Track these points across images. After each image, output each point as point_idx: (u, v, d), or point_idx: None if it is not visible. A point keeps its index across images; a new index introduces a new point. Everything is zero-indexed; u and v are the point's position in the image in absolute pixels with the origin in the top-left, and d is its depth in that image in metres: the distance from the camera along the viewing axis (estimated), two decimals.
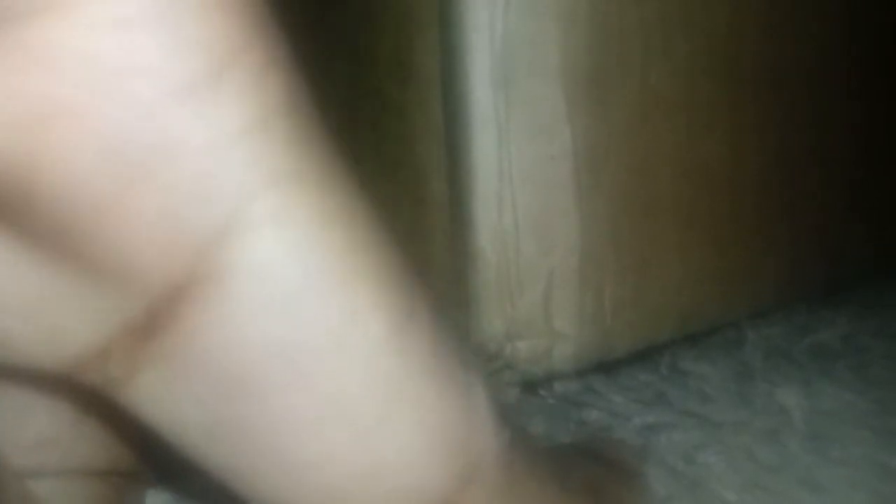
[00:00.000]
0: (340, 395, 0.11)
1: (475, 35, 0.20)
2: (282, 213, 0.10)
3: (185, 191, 0.10)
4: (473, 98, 0.20)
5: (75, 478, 0.12)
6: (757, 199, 0.24)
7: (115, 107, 0.09)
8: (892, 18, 0.26)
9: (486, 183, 0.21)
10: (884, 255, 0.27)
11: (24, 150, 0.09)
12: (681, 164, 0.22)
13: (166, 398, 0.10)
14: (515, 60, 0.20)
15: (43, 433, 0.12)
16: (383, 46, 0.22)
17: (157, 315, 0.10)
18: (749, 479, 0.17)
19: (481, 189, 0.21)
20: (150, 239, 0.10)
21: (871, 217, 0.27)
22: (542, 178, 0.21)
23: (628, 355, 0.22)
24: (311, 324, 0.10)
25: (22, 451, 0.12)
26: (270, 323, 0.10)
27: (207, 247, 0.10)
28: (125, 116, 0.09)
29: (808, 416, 0.20)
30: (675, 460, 0.17)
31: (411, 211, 0.23)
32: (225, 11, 0.10)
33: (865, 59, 0.26)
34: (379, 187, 0.24)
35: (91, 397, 0.11)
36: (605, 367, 0.22)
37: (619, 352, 0.22)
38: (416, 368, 0.11)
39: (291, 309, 0.10)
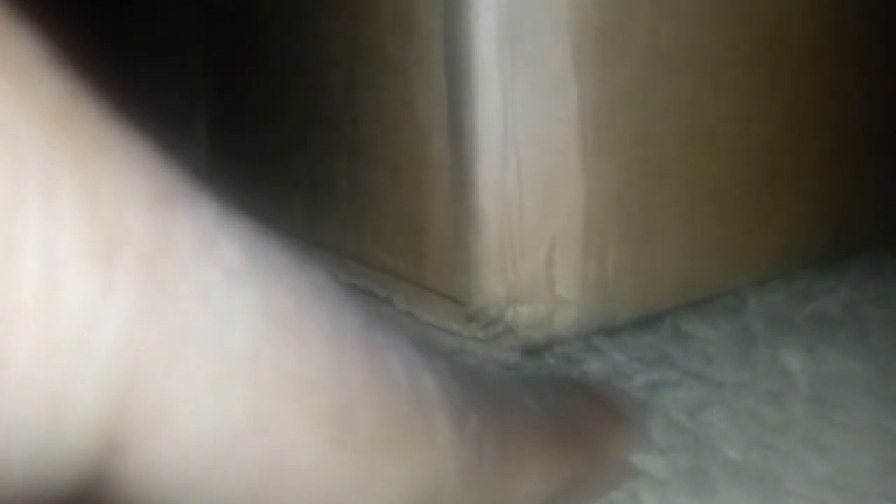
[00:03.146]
0: None
1: None
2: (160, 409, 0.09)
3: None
4: (477, 55, 0.20)
5: None
6: (761, 165, 0.24)
7: None
8: None
9: (490, 144, 0.20)
10: (886, 225, 0.27)
11: None
12: (687, 127, 0.22)
13: None
14: (522, 16, 0.20)
15: None
16: (384, 2, 0.22)
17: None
18: (753, 438, 0.17)
19: (485, 150, 0.21)
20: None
21: (874, 186, 0.27)
22: (548, 140, 0.21)
23: (630, 322, 0.22)
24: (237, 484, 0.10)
25: None
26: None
27: (97, 464, 0.09)
28: None
29: (811, 381, 0.19)
30: (678, 416, 0.17)
31: (411, 173, 0.22)
32: None
33: (876, 28, 0.26)
34: (378, 148, 0.24)
35: None
36: (607, 332, 0.22)
37: (620, 318, 0.22)
38: (364, 460, 0.11)
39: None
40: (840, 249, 0.26)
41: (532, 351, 0.21)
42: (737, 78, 0.23)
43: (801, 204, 0.25)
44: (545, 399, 0.15)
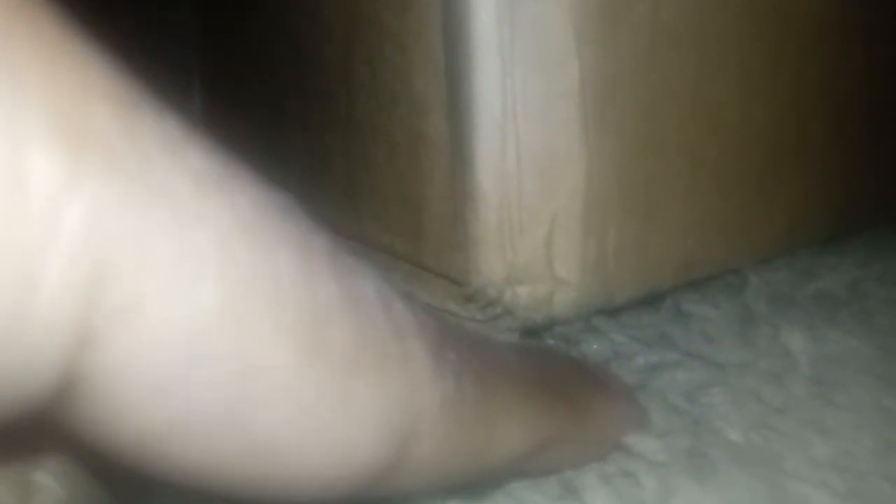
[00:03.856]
0: (259, 431, 0.10)
1: None
2: (129, 305, 0.09)
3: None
4: (476, 28, 0.19)
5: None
6: (765, 143, 0.24)
7: None
8: None
9: (489, 119, 0.20)
10: (889, 203, 0.27)
11: None
12: (690, 104, 0.22)
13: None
14: None
15: None
16: None
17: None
18: (754, 419, 0.17)
19: (483, 126, 0.20)
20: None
21: (878, 164, 0.27)
22: (547, 115, 0.20)
23: (630, 302, 0.22)
24: (207, 388, 0.10)
25: None
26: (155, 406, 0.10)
27: (70, 358, 0.09)
28: None
29: (813, 361, 0.19)
30: (676, 398, 0.17)
31: (408, 149, 0.22)
32: None
33: (881, 6, 0.25)
34: (374, 124, 0.23)
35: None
36: (607, 312, 0.22)
37: (620, 299, 0.22)
38: (339, 377, 0.11)
39: (180, 385, 0.10)
40: (843, 228, 0.26)
41: (531, 332, 0.21)
42: (741, 55, 0.23)
43: (804, 182, 0.25)
44: (529, 360, 0.15)
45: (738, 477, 0.15)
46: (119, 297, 0.09)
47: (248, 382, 0.10)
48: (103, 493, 0.13)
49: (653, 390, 0.17)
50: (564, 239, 0.21)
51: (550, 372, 0.15)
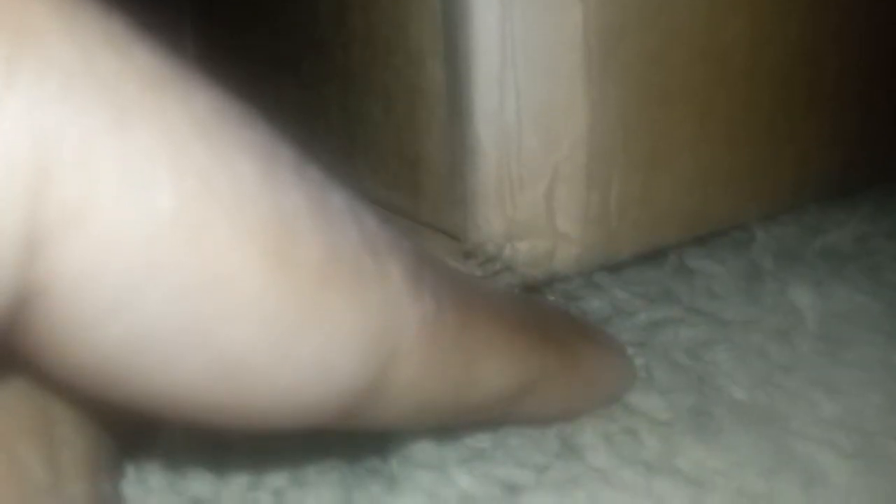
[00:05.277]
0: (227, 347, 0.10)
1: None
2: (80, 210, 0.09)
3: None
4: None
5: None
6: (774, 91, 0.23)
7: None
8: None
9: (487, 68, 0.19)
10: None
11: None
12: (699, 50, 0.21)
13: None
14: None
15: None
16: None
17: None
18: (760, 376, 0.16)
19: (481, 75, 0.19)
20: None
21: (890, 116, 0.26)
22: (549, 64, 0.19)
23: (633, 257, 0.21)
24: (174, 292, 0.09)
25: None
26: (121, 315, 0.09)
27: (21, 268, 0.09)
28: None
29: (820, 317, 0.19)
30: (680, 356, 0.17)
31: (405, 100, 0.21)
32: None
33: None
34: (370, 75, 0.22)
35: None
36: (609, 268, 0.21)
37: (623, 254, 0.21)
38: (310, 290, 0.10)
39: (141, 293, 0.09)
40: (852, 182, 0.25)
41: (532, 288, 0.20)
42: None
43: (813, 133, 0.24)
44: (514, 299, 0.14)
45: (742, 436, 0.15)
46: (65, 199, 0.09)
47: (211, 292, 0.09)
48: (114, 443, 0.12)
49: (656, 347, 0.17)
50: (566, 193, 0.20)
51: (536, 313, 0.15)
